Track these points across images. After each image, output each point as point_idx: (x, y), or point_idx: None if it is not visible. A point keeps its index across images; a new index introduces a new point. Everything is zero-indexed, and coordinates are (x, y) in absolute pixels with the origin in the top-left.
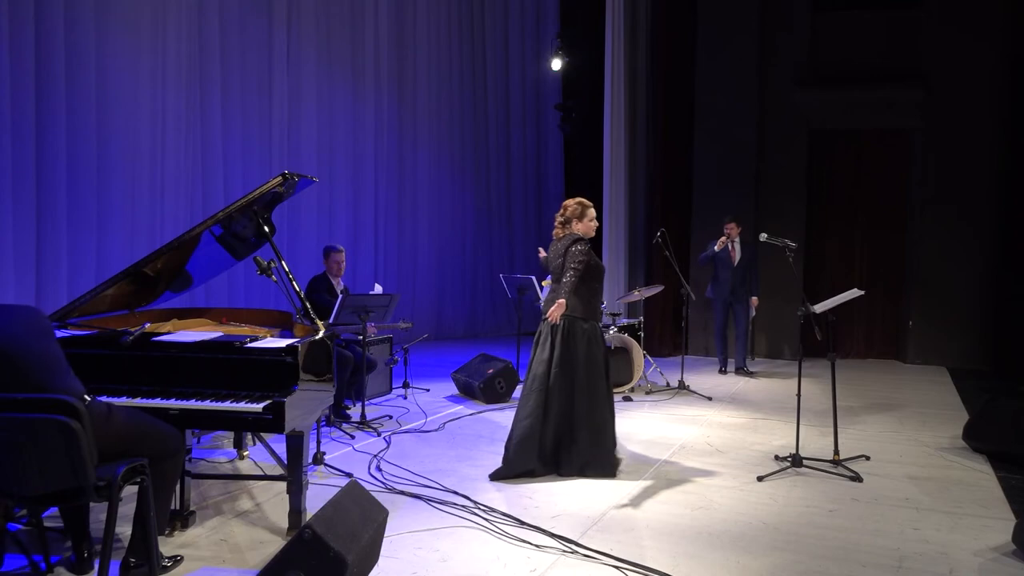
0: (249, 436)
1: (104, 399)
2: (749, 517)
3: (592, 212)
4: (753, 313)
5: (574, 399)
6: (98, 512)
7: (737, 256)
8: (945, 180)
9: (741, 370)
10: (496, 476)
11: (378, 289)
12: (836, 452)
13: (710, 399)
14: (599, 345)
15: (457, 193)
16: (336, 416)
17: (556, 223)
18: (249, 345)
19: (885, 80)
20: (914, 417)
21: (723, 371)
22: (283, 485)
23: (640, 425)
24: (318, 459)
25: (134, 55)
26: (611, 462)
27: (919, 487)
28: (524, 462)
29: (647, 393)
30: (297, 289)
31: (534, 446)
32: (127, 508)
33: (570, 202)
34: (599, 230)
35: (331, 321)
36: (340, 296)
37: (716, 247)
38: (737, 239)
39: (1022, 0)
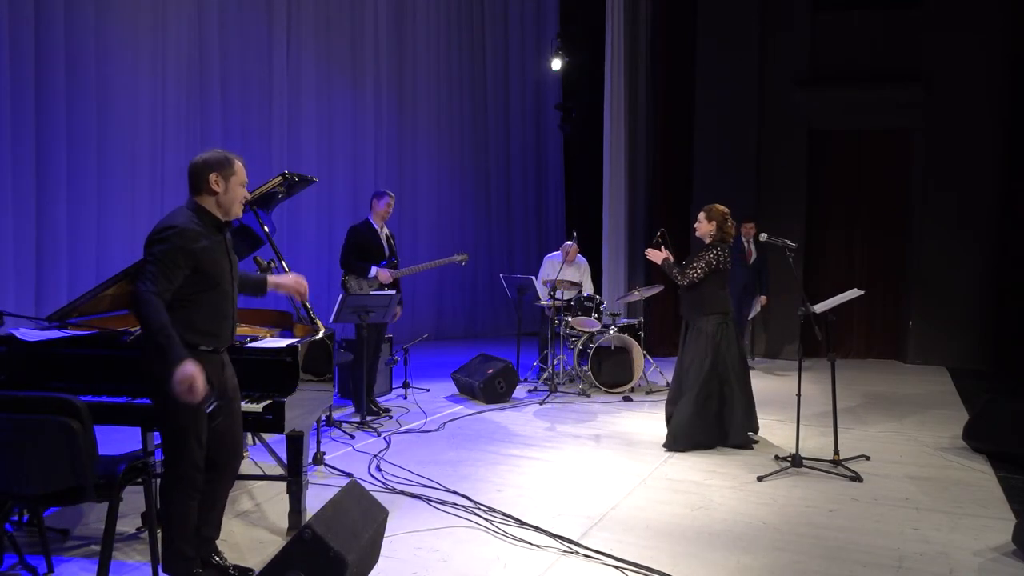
0: (249, 436)
1: (103, 399)
2: (749, 517)
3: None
4: (758, 310)
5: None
6: (99, 511)
7: (753, 255)
8: (945, 180)
9: None
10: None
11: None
12: (836, 452)
13: None
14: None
15: (457, 193)
16: (368, 413)
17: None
18: (249, 345)
19: (885, 80)
20: (914, 417)
21: None
22: (283, 485)
23: (640, 425)
24: (318, 459)
25: (134, 54)
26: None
27: (919, 487)
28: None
29: (647, 393)
30: None
31: None
32: (126, 508)
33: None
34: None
35: (331, 321)
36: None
37: None
38: (752, 239)
39: (1022, 0)
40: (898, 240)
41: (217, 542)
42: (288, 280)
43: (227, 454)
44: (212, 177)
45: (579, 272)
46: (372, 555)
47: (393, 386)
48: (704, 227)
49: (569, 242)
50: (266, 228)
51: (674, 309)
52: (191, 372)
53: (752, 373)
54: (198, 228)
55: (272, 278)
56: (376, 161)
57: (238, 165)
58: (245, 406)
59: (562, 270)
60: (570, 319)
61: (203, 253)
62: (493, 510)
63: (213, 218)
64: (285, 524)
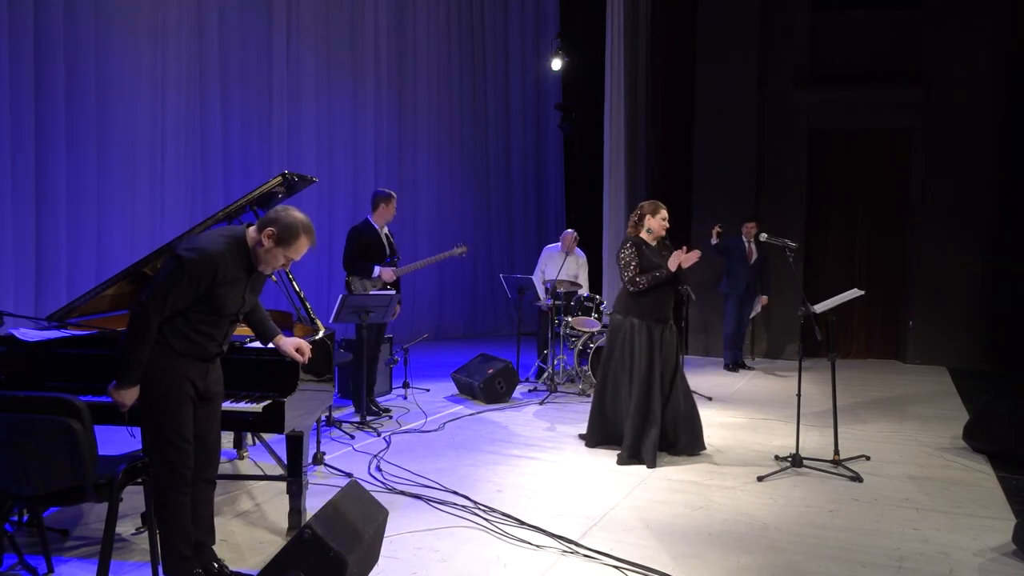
0: (249, 436)
1: (103, 399)
2: (749, 517)
3: (663, 212)
4: (759, 310)
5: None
6: (99, 511)
7: (754, 255)
8: (945, 180)
9: (739, 365)
10: None
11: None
12: (836, 452)
13: (710, 399)
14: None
15: (457, 193)
16: (368, 413)
17: (630, 224)
18: (249, 345)
19: (885, 80)
20: (914, 417)
21: (730, 367)
22: (283, 485)
23: None
24: (318, 459)
25: (134, 55)
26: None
27: (919, 487)
28: None
29: None
30: (297, 289)
31: None
32: (126, 508)
33: (644, 202)
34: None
35: (331, 321)
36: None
37: (713, 240)
38: (753, 239)
39: (1022, 0)
40: (898, 240)
41: (217, 543)
42: (287, 346)
43: (201, 462)
44: (267, 230)
45: (577, 265)
46: (372, 555)
47: (393, 386)
48: None
49: (569, 230)
50: None
51: (674, 309)
52: (125, 401)
53: (752, 373)
54: (228, 260)
55: (278, 338)
56: (376, 161)
57: (300, 243)
58: (245, 406)
59: (563, 264)
60: (570, 319)
61: (218, 286)
62: (493, 510)
63: (248, 257)
64: (285, 524)
